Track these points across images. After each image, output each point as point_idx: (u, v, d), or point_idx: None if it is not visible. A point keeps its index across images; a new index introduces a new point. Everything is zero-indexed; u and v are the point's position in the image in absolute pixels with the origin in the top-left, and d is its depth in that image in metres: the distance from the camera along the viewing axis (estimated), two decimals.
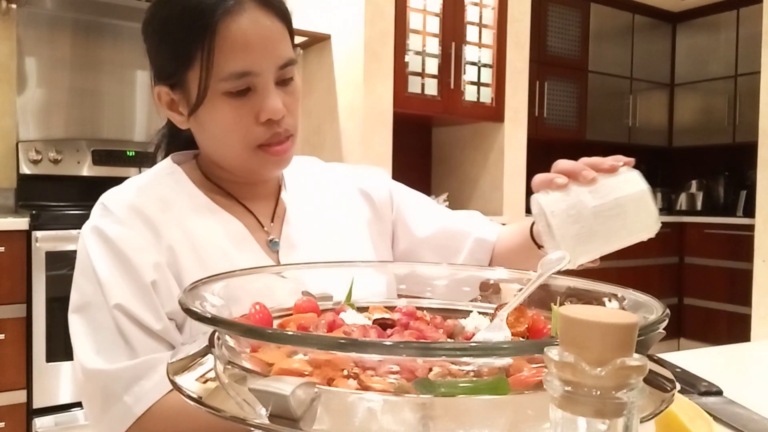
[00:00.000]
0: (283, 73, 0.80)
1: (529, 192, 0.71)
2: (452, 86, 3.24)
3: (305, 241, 0.88)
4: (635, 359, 0.28)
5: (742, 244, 4.02)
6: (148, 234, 0.78)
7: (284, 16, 0.81)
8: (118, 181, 0.87)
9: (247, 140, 0.80)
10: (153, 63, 0.84)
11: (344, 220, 0.93)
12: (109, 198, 0.81)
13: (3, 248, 2.19)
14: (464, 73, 3.29)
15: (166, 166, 0.88)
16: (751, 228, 3.51)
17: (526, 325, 0.58)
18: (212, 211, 0.84)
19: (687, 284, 4.61)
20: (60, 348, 2.23)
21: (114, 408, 0.71)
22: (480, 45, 3.35)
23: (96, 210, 0.81)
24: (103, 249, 0.76)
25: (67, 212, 2.36)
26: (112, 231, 0.76)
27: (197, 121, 0.82)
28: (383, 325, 0.55)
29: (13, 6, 2.68)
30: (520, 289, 0.59)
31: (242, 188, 0.88)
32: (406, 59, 3.10)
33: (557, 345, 0.29)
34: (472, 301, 0.68)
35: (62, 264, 2.24)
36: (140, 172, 0.90)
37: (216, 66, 0.75)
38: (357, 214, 0.96)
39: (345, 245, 0.90)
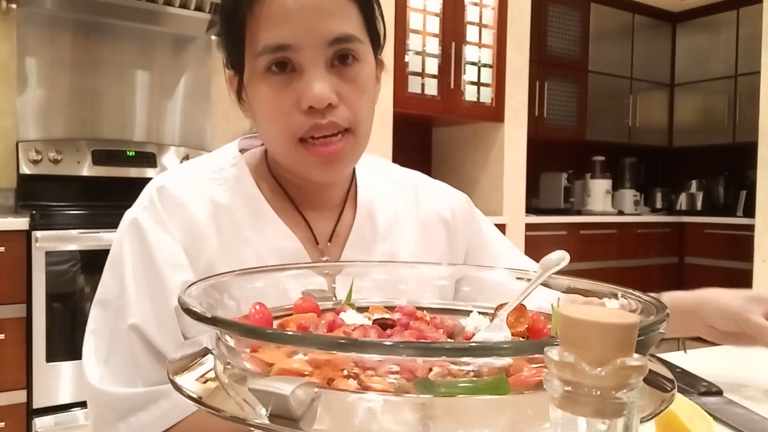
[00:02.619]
0: (336, 53, 0.69)
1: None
2: (452, 86, 3.24)
3: (365, 275, 0.73)
4: (635, 359, 0.28)
5: (742, 244, 4.02)
6: (189, 242, 0.72)
7: None
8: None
9: (286, 130, 0.70)
10: (223, 48, 0.77)
11: (415, 255, 0.83)
12: (160, 187, 0.75)
13: (3, 248, 2.19)
14: (464, 73, 3.29)
15: (230, 154, 0.81)
16: (751, 228, 3.51)
17: (526, 325, 0.58)
18: (268, 221, 0.76)
19: (687, 284, 4.57)
20: (60, 348, 2.23)
21: (105, 430, 0.68)
22: (480, 45, 3.35)
23: (144, 198, 0.75)
24: (137, 254, 0.72)
25: (67, 212, 2.36)
26: (152, 234, 0.72)
27: (249, 107, 0.75)
28: (383, 325, 0.55)
29: (13, 6, 2.68)
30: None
31: (302, 192, 0.79)
32: (406, 59, 3.10)
33: (557, 345, 0.29)
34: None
35: (62, 264, 2.24)
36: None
37: (256, 38, 0.69)
38: (431, 247, 0.86)
39: (409, 286, 0.72)
